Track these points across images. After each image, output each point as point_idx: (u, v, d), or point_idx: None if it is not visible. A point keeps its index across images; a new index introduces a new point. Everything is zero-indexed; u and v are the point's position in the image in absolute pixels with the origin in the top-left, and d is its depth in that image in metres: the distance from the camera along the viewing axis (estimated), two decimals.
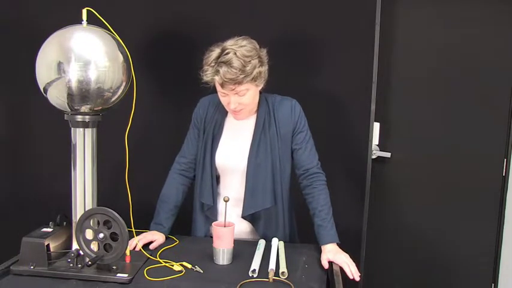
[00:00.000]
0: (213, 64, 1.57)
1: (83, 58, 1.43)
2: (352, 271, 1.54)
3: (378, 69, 2.18)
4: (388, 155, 2.42)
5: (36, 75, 1.50)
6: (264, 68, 1.63)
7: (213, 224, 1.58)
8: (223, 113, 1.77)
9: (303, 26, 2.23)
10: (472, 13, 2.32)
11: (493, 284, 2.47)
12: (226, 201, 1.56)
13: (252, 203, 1.72)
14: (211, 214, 1.77)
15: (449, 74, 2.37)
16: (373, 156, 2.37)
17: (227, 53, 1.55)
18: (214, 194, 1.75)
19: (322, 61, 2.23)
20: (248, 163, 1.71)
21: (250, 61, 1.56)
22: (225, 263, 1.54)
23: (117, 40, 1.53)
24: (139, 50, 2.12)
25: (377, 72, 2.18)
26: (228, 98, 1.61)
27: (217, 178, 1.78)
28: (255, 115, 1.75)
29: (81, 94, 1.45)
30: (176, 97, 2.31)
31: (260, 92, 1.72)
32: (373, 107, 2.21)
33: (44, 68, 1.47)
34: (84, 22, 1.50)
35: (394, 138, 2.44)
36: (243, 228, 1.78)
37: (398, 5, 2.35)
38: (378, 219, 2.44)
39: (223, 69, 1.53)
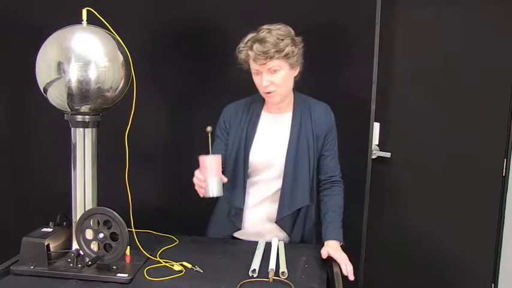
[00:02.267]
0: (248, 43, 1.61)
1: (83, 58, 1.43)
2: (348, 270, 1.53)
3: (378, 69, 2.18)
4: (388, 155, 2.42)
5: (36, 75, 1.50)
6: (297, 49, 1.64)
7: (199, 156, 1.57)
8: (257, 111, 1.75)
9: (302, 26, 2.22)
10: (472, 13, 2.32)
11: (493, 284, 2.47)
12: (209, 131, 1.55)
13: (290, 200, 1.70)
14: (236, 219, 1.76)
15: (449, 74, 2.37)
16: (373, 156, 2.37)
17: (262, 32, 1.60)
18: (244, 198, 1.74)
19: (322, 61, 2.23)
20: (287, 157, 1.70)
21: (283, 39, 1.58)
22: (214, 194, 1.54)
23: (117, 40, 1.53)
24: (140, 50, 2.12)
25: (377, 72, 2.18)
26: (260, 76, 1.62)
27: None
28: (291, 111, 1.75)
29: (81, 94, 1.45)
30: (176, 97, 2.31)
31: (294, 91, 1.75)
32: (373, 107, 2.21)
33: (44, 68, 1.47)
34: (84, 22, 1.50)
35: (394, 138, 2.44)
36: (265, 229, 1.76)
37: (398, 5, 2.35)
38: (378, 220, 2.44)
39: (256, 45, 1.57)
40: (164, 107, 2.34)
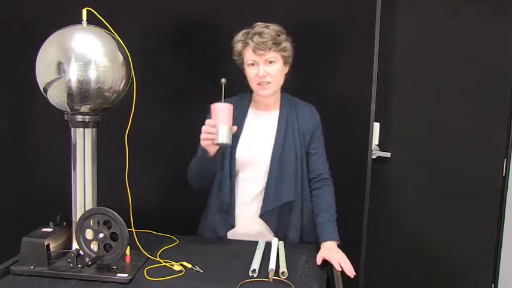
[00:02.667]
0: (244, 36, 1.67)
1: (83, 58, 1.44)
2: (344, 267, 1.54)
3: (378, 69, 2.18)
4: (388, 155, 2.42)
5: (36, 75, 1.50)
6: (291, 46, 1.72)
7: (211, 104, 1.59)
8: (244, 108, 1.79)
9: (302, 26, 2.22)
10: (472, 13, 2.32)
11: (493, 284, 2.47)
12: (223, 83, 1.57)
13: (275, 195, 1.72)
14: (228, 215, 1.76)
15: (449, 74, 2.37)
16: (373, 156, 2.37)
17: (259, 27, 1.66)
18: (233, 191, 1.75)
19: (321, 61, 2.23)
20: (273, 152, 1.72)
21: (280, 34, 1.67)
22: (224, 141, 1.54)
23: (117, 40, 1.54)
24: (140, 50, 2.12)
25: (377, 72, 2.18)
26: (256, 67, 1.66)
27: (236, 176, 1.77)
28: (278, 109, 1.79)
29: (81, 94, 1.45)
30: (176, 97, 2.31)
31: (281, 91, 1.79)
32: (373, 107, 2.21)
33: (44, 68, 1.47)
34: (84, 22, 1.51)
35: (394, 138, 2.44)
36: (258, 229, 1.77)
37: (398, 5, 2.35)
38: (378, 219, 2.44)
39: (256, 37, 1.63)
40: (164, 107, 2.34)
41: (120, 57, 1.52)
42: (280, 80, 1.73)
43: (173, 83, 2.32)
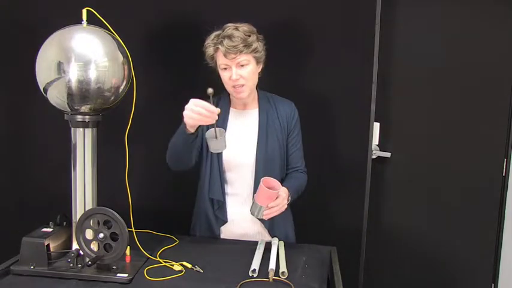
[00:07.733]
0: (215, 40, 1.66)
1: (83, 58, 1.44)
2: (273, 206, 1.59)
3: (378, 69, 2.18)
4: (388, 155, 2.42)
5: (36, 75, 1.50)
6: (262, 45, 1.71)
7: (262, 181, 1.59)
8: (225, 108, 1.79)
9: (302, 26, 2.22)
10: (472, 13, 2.32)
11: (493, 284, 2.47)
12: (210, 94, 1.52)
13: None
14: (220, 213, 1.77)
15: (449, 74, 2.37)
16: (373, 156, 2.37)
17: (228, 29, 1.66)
18: (223, 191, 1.76)
19: (322, 61, 2.23)
20: (257, 155, 1.73)
21: (250, 35, 1.66)
22: (259, 217, 1.62)
23: (117, 40, 1.54)
24: (140, 50, 2.12)
25: (377, 72, 2.18)
26: (229, 71, 1.66)
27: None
28: (257, 108, 1.79)
29: (81, 94, 1.45)
30: (176, 97, 2.31)
31: (257, 88, 1.79)
32: (373, 107, 2.21)
33: (44, 68, 1.47)
34: (84, 22, 1.51)
35: (394, 138, 2.44)
36: (254, 228, 1.78)
37: (398, 5, 2.35)
38: (378, 219, 2.44)
39: (226, 41, 1.62)
40: (165, 106, 2.34)
41: (120, 57, 1.52)
42: (254, 80, 1.73)
43: (174, 83, 2.32)
